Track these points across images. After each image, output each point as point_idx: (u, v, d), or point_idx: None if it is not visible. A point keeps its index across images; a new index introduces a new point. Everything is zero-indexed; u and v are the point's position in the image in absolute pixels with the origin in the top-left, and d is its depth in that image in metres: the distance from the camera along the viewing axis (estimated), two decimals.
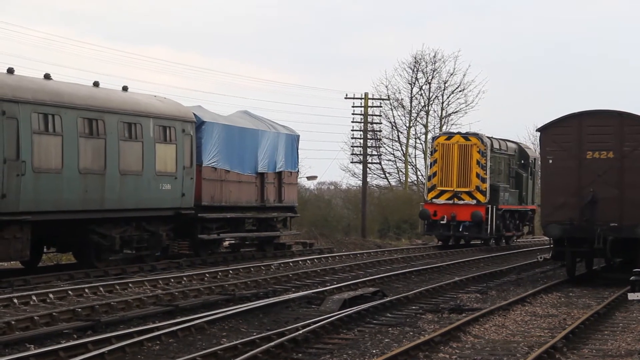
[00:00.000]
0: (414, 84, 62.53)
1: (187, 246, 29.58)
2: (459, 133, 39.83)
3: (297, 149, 34.72)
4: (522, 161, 43.11)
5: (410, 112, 62.64)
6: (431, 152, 39.46)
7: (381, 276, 24.65)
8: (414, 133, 62.92)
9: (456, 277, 24.97)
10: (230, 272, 24.84)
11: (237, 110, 34.20)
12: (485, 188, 38.01)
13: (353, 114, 52.04)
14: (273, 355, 13.26)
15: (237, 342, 13.88)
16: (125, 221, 25.25)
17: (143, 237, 26.04)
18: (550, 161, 25.07)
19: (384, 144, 61.59)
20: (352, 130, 52.65)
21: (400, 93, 62.40)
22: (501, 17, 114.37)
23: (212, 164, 29.08)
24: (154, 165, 25.84)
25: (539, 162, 42.90)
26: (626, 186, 24.26)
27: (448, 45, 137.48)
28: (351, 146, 53.66)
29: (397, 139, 62.79)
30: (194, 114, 28.33)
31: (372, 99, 52.73)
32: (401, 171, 63.18)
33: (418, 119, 62.91)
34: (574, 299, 21.54)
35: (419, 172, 62.72)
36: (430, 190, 38.76)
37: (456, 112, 63.09)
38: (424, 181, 52.86)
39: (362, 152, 52.27)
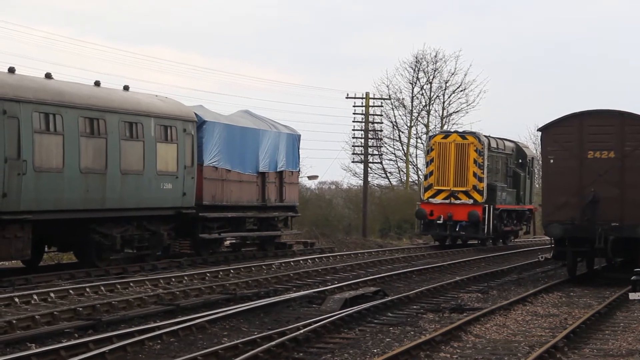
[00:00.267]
0: (415, 83, 62.60)
1: (188, 245, 29.61)
2: (456, 132, 39.40)
3: (298, 149, 34.73)
4: (520, 160, 42.66)
5: (411, 112, 62.71)
6: (428, 150, 38.97)
7: (382, 276, 24.65)
8: (415, 133, 62.99)
9: (457, 277, 24.97)
10: (231, 271, 24.85)
11: (238, 110, 34.21)
12: (483, 187, 37.58)
13: (354, 113, 52.03)
14: (274, 355, 13.25)
15: (238, 341, 13.89)
16: (127, 220, 25.26)
17: (144, 236, 26.05)
18: (552, 161, 25.06)
19: (385, 143, 61.69)
20: (353, 129, 52.65)
21: (401, 92, 62.48)
22: (501, 17, 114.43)
23: (213, 163, 29.09)
24: (155, 165, 25.85)
25: (537, 161, 42.71)
26: (627, 186, 24.26)
27: (448, 45, 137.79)
28: (352, 146, 53.68)
29: (398, 139, 62.87)
30: (195, 114, 28.33)
31: (373, 98, 52.70)
32: (402, 171, 63.22)
33: (419, 118, 62.98)
34: (575, 298, 21.54)
35: (420, 172, 62.67)
36: (426, 189, 38.32)
37: (457, 111, 63.13)
38: None
39: (363, 152, 52.24)
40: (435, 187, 38.05)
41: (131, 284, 20.95)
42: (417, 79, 62.45)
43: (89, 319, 15.93)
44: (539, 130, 26.42)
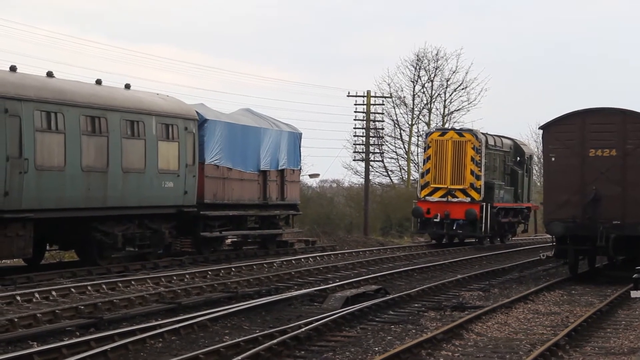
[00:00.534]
0: (417, 81, 62.53)
1: (189, 244, 29.62)
2: (453, 129, 38.99)
3: (300, 147, 34.73)
4: (518, 158, 42.22)
5: (412, 110, 62.65)
6: (424, 148, 38.48)
7: (383, 274, 24.65)
8: (416, 131, 62.94)
9: (458, 275, 24.96)
10: (233, 269, 24.86)
11: (239, 108, 34.21)
12: (480, 185, 37.18)
13: (355, 111, 52.02)
14: (275, 353, 13.25)
15: (240, 339, 13.89)
16: (128, 219, 25.27)
17: (145, 234, 26.07)
18: (553, 159, 25.05)
19: (387, 141, 61.64)
20: (355, 128, 52.63)
21: (402, 91, 62.42)
22: (501, 17, 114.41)
23: (215, 161, 29.09)
24: (156, 163, 25.86)
25: (535, 159, 42.40)
26: (629, 184, 24.26)
27: (448, 45, 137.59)
28: (353, 144, 53.69)
29: (399, 137, 62.84)
30: (197, 112, 28.34)
31: (375, 96, 52.70)
32: (403, 169, 63.16)
33: (420, 116, 62.93)
34: (576, 296, 21.54)
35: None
36: (423, 187, 37.87)
37: (458, 109, 63.08)
38: None
39: (364, 150, 52.25)
40: (432, 185, 37.59)
41: (133, 283, 20.95)
42: (419, 77, 62.46)
43: (90, 317, 15.94)
44: (540, 128, 26.42)
